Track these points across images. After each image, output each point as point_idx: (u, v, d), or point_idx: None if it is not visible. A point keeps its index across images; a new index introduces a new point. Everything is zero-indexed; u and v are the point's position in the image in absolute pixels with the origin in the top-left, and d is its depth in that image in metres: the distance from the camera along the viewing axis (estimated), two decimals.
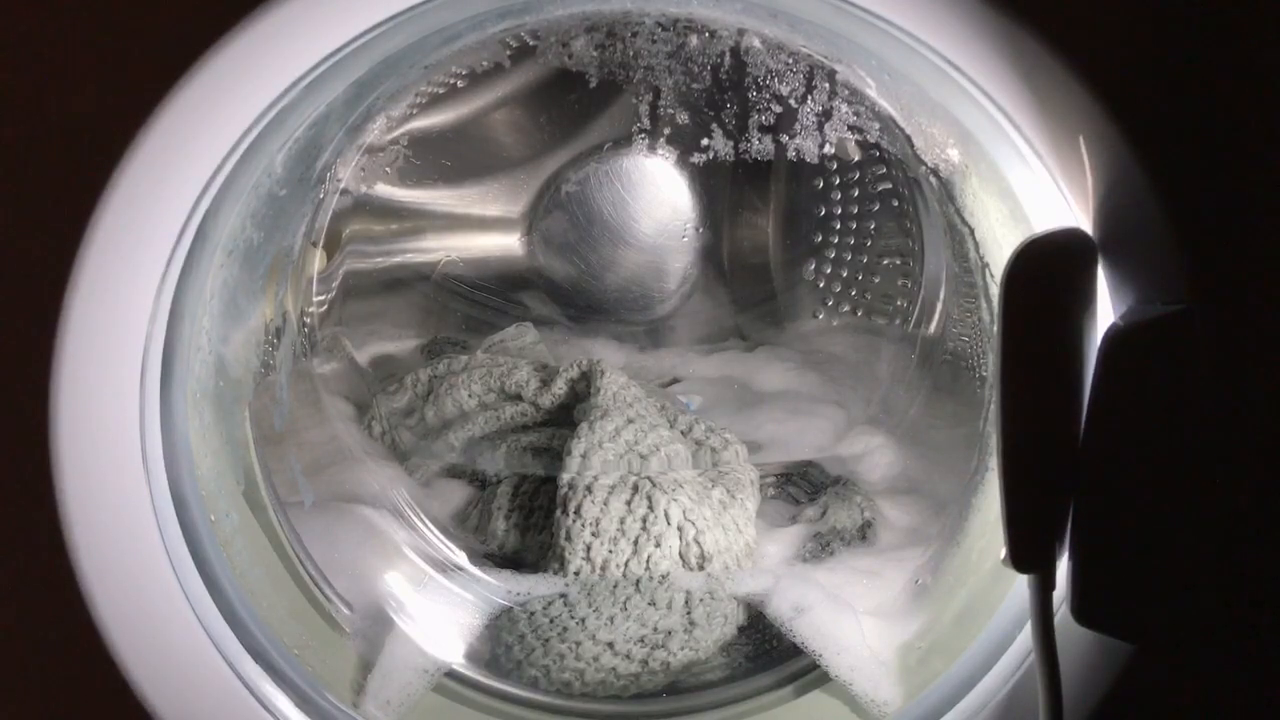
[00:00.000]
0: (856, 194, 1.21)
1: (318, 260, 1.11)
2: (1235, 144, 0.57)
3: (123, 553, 0.67)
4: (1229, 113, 0.57)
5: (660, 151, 1.16)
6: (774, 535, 1.09)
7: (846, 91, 0.91)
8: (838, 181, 1.21)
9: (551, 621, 0.97)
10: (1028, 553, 0.62)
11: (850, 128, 0.93)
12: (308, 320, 1.11)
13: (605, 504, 1.01)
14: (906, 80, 0.76)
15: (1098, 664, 0.65)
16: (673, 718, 0.93)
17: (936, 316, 1.18)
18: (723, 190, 1.25)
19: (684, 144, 1.09)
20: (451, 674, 0.92)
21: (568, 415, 1.16)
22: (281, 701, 0.75)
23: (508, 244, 1.27)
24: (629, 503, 1.02)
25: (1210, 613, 0.62)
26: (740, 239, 1.29)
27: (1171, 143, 0.57)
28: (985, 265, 0.86)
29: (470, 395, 1.18)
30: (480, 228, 1.27)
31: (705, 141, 1.04)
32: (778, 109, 0.96)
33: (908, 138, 0.87)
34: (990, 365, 0.96)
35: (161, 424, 0.70)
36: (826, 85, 0.91)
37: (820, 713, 0.88)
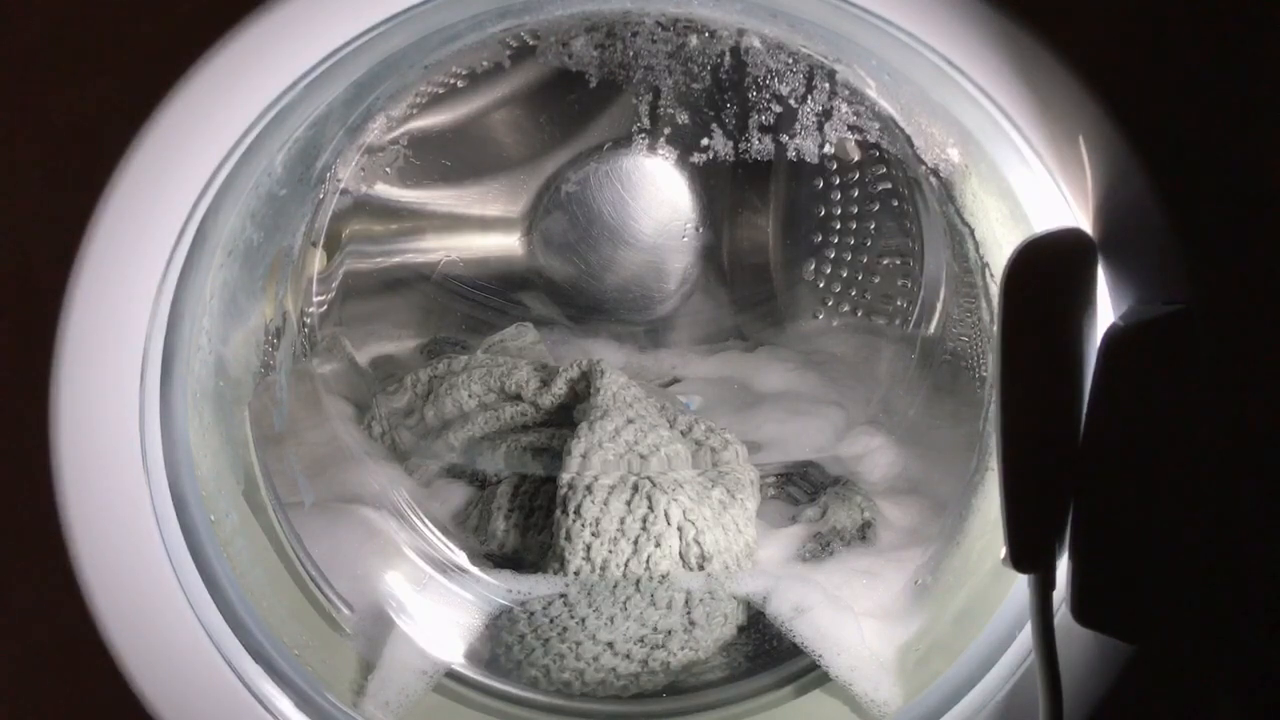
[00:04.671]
0: (856, 194, 1.21)
1: (318, 260, 1.11)
2: (1235, 144, 0.57)
3: (123, 553, 0.67)
4: (1229, 113, 0.57)
5: (660, 151, 1.15)
6: (774, 535, 1.09)
7: (846, 91, 0.91)
8: (838, 181, 1.21)
9: (551, 621, 0.97)
10: (1028, 553, 0.62)
11: (850, 128, 0.93)
12: (308, 320, 1.11)
13: (605, 504, 1.01)
14: (907, 80, 0.76)
15: (1098, 664, 0.65)
16: (673, 718, 0.93)
17: (936, 316, 1.18)
18: (723, 190, 1.25)
19: (684, 144, 1.10)
20: (451, 674, 0.92)
21: (568, 415, 1.16)
22: (281, 702, 0.75)
23: (508, 244, 1.27)
24: (629, 503, 1.02)
25: (1210, 613, 0.62)
26: (740, 239, 1.29)
27: (1171, 143, 0.57)
28: (985, 265, 0.86)
29: (470, 395, 1.18)
30: (480, 228, 1.27)
31: (705, 141, 1.04)
32: (778, 109, 0.96)
33: (908, 138, 0.87)
34: (990, 365, 0.96)
35: (161, 424, 0.70)
36: (826, 85, 0.91)
37: (820, 713, 0.88)
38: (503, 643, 0.96)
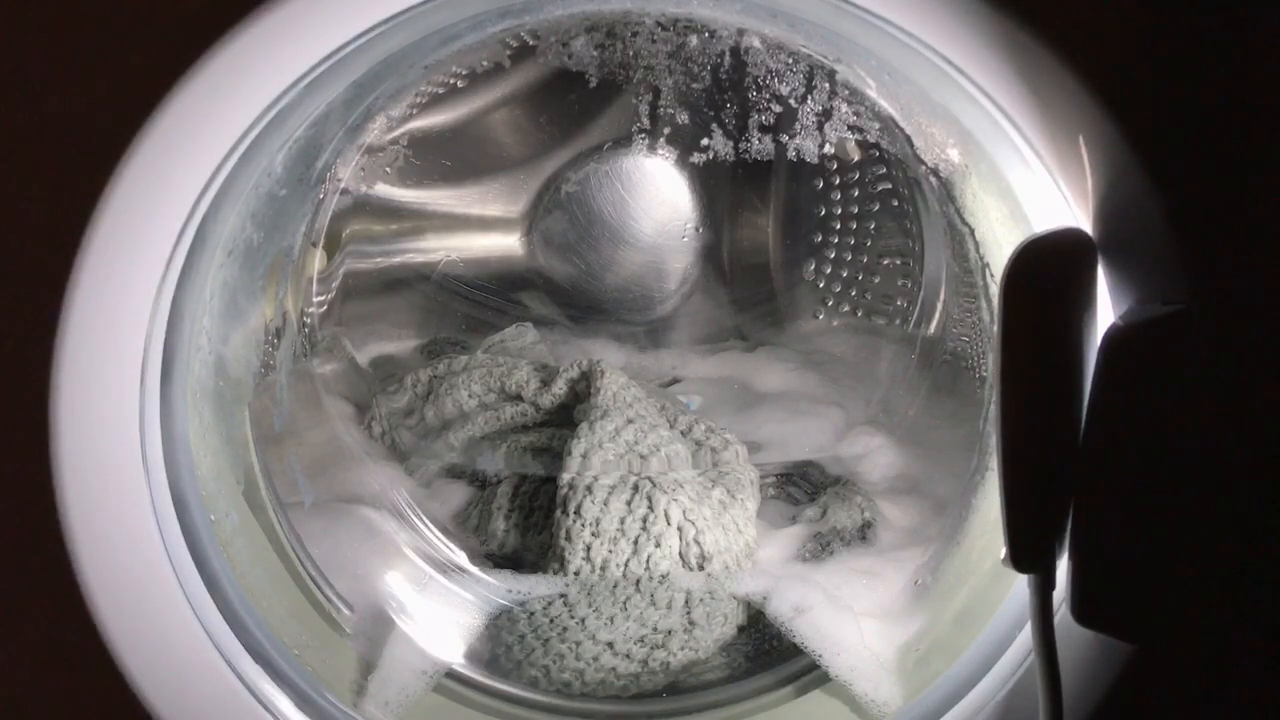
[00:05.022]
0: (856, 194, 1.21)
1: (318, 260, 1.11)
2: (1235, 144, 0.57)
3: (123, 553, 0.67)
4: (1229, 113, 0.57)
5: (660, 151, 1.15)
6: (774, 535, 1.09)
7: (846, 91, 0.91)
8: (838, 181, 1.21)
9: (551, 621, 0.97)
10: (1028, 553, 0.62)
11: (850, 128, 0.93)
12: (308, 320, 1.11)
13: (605, 504, 1.01)
14: (907, 80, 0.76)
15: (1098, 664, 0.65)
16: (673, 718, 0.93)
17: (936, 316, 1.18)
18: (723, 190, 1.25)
19: (684, 144, 1.10)
20: (451, 674, 0.92)
21: (568, 415, 1.16)
22: (282, 702, 0.75)
23: (508, 244, 1.27)
24: (629, 503, 1.02)
25: (1211, 613, 0.62)
26: (740, 239, 1.29)
27: (1171, 143, 0.57)
28: (985, 265, 0.86)
29: (470, 395, 1.18)
30: (480, 228, 1.27)
31: (705, 141, 1.04)
32: (778, 109, 0.96)
33: (908, 138, 0.87)
34: (990, 365, 0.96)
35: (161, 424, 0.70)
36: (826, 85, 0.91)
37: (820, 713, 0.88)
38: (503, 643, 0.96)
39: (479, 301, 1.28)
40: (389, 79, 0.90)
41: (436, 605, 1.00)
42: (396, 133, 1.09)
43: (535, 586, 1.01)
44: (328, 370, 1.16)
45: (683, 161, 1.16)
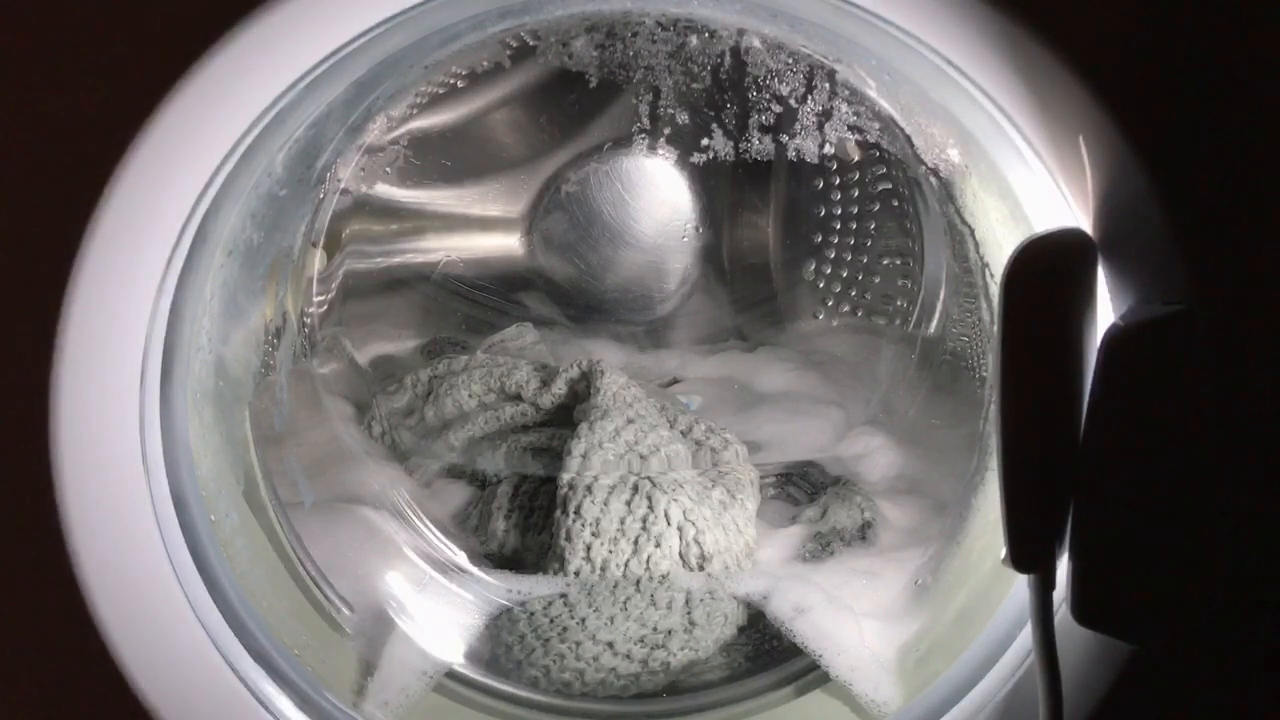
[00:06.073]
0: (856, 194, 1.21)
1: (318, 260, 1.11)
2: (1235, 144, 0.57)
3: (123, 553, 0.67)
4: (1229, 113, 0.57)
5: (660, 151, 1.16)
6: (774, 535, 1.09)
7: (846, 91, 0.91)
8: (838, 181, 1.21)
9: (551, 621, 0.97)
10: (1028, 553, 0.62)
11: (850, 128, 0.93)
12: (308, 320, 1.11)
13: (605, 504, 1.01)
14: (906, 80, 0.76)
15: (1098, 664, 0.65)
16: (673, 718, 0.93)
17: (936, 316, 1.18)
18: (723, 190, 1.25)
19: (684, 144, 1.10)
20: (451, 674, 0.92)
21: (568, 415, 1.16)
22: (282, 702, 0.75)
23: (508, 244, 1.27)
24: (629, 503, 1.02)
25: (1210, 613, 0.62)
26: (740, 239, 1.29)
27: (1171, 143, 0.57)
28: (985, 265, 0.86)
29: (470, 395, 1.18)
30: (480, 228, 1.27)
31: (705, 141, 1.04)
32: (778, 109, 0.96)
33: (908, 138, 0.87)
34: (990, 365, 0.96)
35: (161, 424, 0.70)
36: (826, 85, 0.91)
37: (820, 713, 0.88)
38: (503, 643, 0.96)
39: (479, 301, 1.28)
40: (389, 79, 0.90)
41: (436, 605, 1.00)
42: (396, 133, 1.09)
43: (535, 586, 1.01)
44: (328, 370, 1.16)
45: (683, 161, 1.16)
